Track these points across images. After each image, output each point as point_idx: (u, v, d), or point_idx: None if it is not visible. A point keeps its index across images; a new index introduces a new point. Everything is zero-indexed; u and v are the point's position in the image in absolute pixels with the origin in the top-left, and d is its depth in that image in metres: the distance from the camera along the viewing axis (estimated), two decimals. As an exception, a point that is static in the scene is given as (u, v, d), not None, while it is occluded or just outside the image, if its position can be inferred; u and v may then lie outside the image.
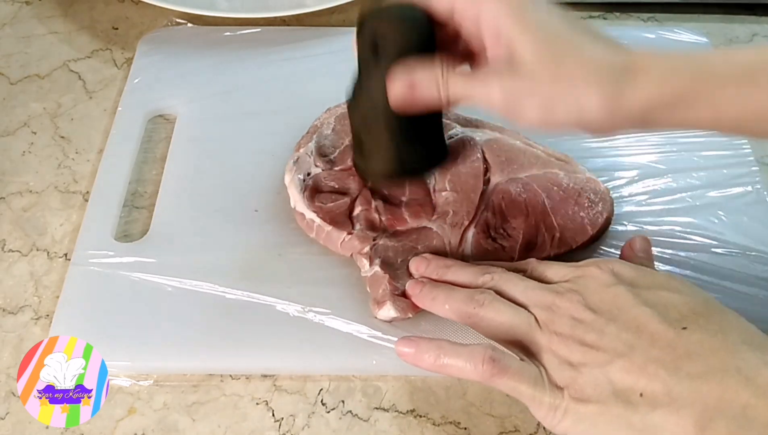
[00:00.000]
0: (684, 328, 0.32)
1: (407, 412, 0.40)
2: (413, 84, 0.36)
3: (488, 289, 0.38)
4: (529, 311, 0.36)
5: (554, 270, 0.38)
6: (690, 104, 0.33)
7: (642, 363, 0.31)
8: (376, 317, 0.41)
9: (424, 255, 0.42)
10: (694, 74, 0.33)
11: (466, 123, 0.49)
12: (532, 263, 0.40)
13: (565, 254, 0.43)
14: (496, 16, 0.34)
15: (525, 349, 0.35)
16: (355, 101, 0.41)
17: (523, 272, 0.39)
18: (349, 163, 0.46)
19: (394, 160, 0.41)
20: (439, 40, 0.38)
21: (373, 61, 0.38)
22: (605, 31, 0.35)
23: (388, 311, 0.40)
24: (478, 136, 0.47)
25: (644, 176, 0.49)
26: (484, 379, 0.34)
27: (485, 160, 0.46)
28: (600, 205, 0.45)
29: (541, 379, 0.33)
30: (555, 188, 0.45)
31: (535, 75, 0.34)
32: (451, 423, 0.39)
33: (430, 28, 0.37)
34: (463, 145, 0.47)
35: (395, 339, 0.40)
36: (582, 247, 0.44)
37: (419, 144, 0.41)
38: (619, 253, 0.42)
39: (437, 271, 0.40)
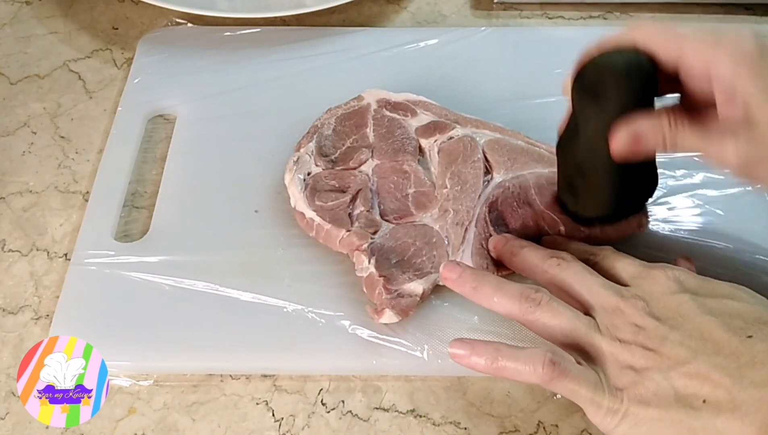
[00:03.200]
0: (749, 337, 0.32)
1: (407, 412, 0.40)
2: (638, 137, 0.35)
3: (547, 282, 0.38)
4: (588, 315, 0.36)
5: (624, 265, 0.38)
6: None
7: (706, 369, 0.31)
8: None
9: (503, 234, 0.42)
10: None
11: (466, 123, 0.48)
12: (607, 251, 0.39)
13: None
14: (733, 74, 0.32)
15: (582, 352, 0.35)
16: (568, 145, 0.41)
17: (593, 256, 0.39)
18: (351, 163, 0.46)
19: (612, 204, 0.41)
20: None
21: (593, 108, 0.37)
22: None
23: (390, 318, 0.40)
24: (479, 136, 0.47)
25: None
26: (544, 381, 0.33)
27: (486, 160, 0.46)
28: None
29: (601, 382, 0.33)
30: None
31: None
32: (451, 423, 0.39)
33: (654, 76, 0.35)
34: (464, 145, 0.47)
35: (395, 339, 0.40)
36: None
37: (636, 185, 0.41)
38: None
39: (512, 249, 0.41)
